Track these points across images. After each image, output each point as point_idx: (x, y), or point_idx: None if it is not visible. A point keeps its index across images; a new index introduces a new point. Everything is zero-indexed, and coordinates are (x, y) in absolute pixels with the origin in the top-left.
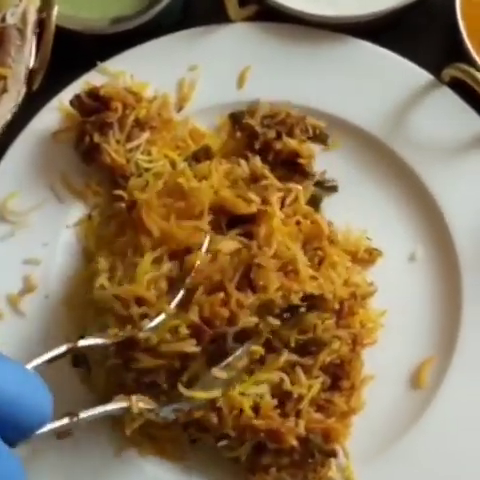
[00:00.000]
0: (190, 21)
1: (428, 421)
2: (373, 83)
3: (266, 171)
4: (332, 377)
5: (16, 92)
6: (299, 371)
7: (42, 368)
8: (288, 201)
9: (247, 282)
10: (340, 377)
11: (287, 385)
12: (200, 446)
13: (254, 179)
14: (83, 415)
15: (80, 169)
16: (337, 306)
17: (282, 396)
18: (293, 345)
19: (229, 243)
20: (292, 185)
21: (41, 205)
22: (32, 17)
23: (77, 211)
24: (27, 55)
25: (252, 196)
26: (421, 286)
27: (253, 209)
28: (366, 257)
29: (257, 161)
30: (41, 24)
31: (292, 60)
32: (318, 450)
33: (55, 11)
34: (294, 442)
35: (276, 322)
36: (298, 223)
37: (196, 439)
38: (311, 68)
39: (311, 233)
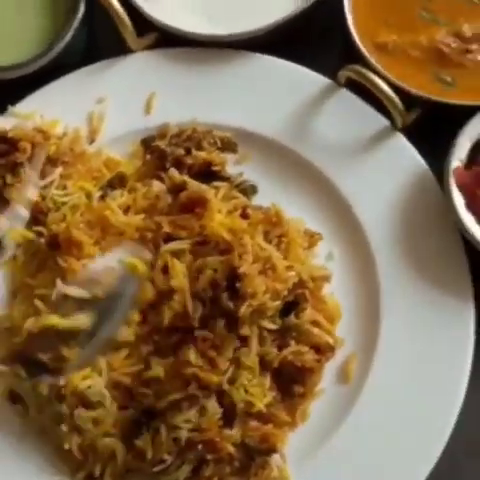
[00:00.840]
0: (94, 56)
1: (357, 415)
2: (273, 92)
3: (186, 177)
4: (286, 379)
5: None
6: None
7: None
8: (219, 196)
9: (231, 293)
10: (295, 381)
11: (240, 394)
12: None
13: (174, 191)
14: None
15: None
16: (311, 285)
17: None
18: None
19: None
20: (217, 183)
21: None
22: None
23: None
24: None
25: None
26: (340, 283)
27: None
28: (308, 240)
29: (174, 172)
30: None
31: (194, 80)
32: (257, 452)
33: None
34: (231, 449)
35: (272, 326)
36: (245, 216)
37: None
38: (213, 86)
39: (269, 222)
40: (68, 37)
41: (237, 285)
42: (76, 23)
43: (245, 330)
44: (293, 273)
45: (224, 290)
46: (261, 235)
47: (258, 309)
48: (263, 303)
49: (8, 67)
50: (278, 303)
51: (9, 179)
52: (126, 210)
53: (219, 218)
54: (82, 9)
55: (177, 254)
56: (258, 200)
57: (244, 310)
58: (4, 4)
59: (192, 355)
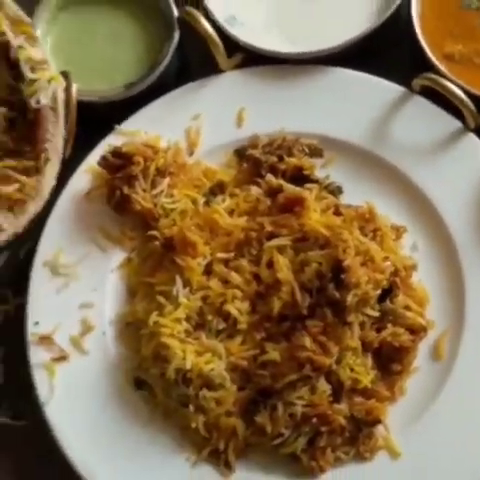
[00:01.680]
0: (187, 76)
1: (450, 389)
2: (352, 102)
3: (282, 181)
4: (385, 359)
5: (57, 160)
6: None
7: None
8: (312, 197)
9: (337, 284)
10: (393, 360)
11: (346, 372)
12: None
13: (272, 193)
14: None
15: (114, 220)
16: (403, 273)
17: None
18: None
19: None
20: (308, 185)
21: (86, 256)
22: (61, 96)
23: (118, 256)
24: (61, 128)
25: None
26: (425, 271)
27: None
28: (394, 233)
29: (271, 177)
30: (64, 101)
31: (279, 94)
32: (363, 423)
33: (74, 88)
34: (342, 421)
35: (374, 313)
36: (338, 214)
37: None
38: (296, 98)
39: (362, 218)
40: (165, 62)
41: (342, 276)
42: (172, 49)
43: (351, 317)
44: (389, 263)
45: (330, 281)
46: (357, 230)
47: (362, 298)
48: (366, 292)
49: (123, 86)
50: (378, 292)
51: (126, 190)
52: (230, 213)
53: (316, 216)
54: (177, 36)
55: (280, 250)
56: (344, 200)
57: (351, 299)
58: (103, 37)
59: (307, 341)
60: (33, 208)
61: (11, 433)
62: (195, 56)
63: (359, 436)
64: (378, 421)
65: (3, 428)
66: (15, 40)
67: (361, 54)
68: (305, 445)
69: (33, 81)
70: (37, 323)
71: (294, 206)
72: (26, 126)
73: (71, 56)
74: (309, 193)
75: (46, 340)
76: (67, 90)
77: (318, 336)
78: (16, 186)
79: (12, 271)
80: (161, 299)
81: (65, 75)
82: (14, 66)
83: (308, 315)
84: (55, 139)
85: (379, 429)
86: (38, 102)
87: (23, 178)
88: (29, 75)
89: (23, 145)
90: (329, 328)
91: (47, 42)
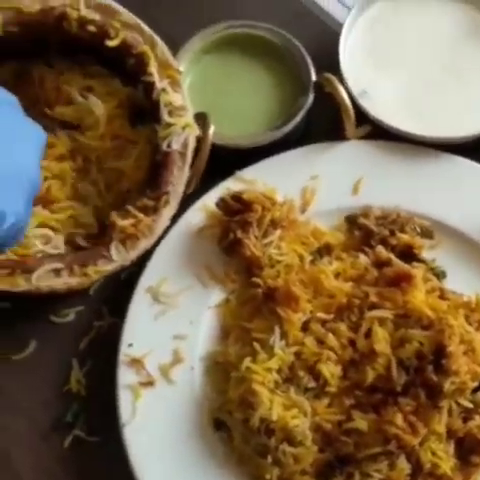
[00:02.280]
0: (308, 137)
1: None
2: (470, 193)
3: (392, 256)
4: (466, 449)
5: (175, 204)
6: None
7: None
8: (419, 276)
9: (436, 367)
10: (474, 452)
11: (428, 455)
12: None
13: (380, 265)
14: None
15: (220, 260)
16: None
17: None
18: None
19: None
20: (416, 264)
21: (188, 289)
22: (192, 144)
23: (217, 295)
24: (186, 174)
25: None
26: None
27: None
28: None
29: (381, 249)
30: (199, 140)
31: (399, 172)
32: None
33: (211, 130)
34: None
35: (468, 404)
36: (442, 298)
37: None
38: (415, 179)
39: (468, 307)
40: (295, 121)
41: (443, 362)
42: (304, 110)
43: (444, 403)
44: None
45: (429, 363)
46: (462, 318)
47: (459, 387)
48: (464, 382)
49: (251, 136)
50: (475, 384)
51: (239, 234)
52: (336, 276)
53: (421, 296)
54: (311, 99)
55: (381, 322)
56: (446, 284)
57: (448, 386)
58: (239, 85)
59: (398, 418)
60: (144, 245)
61: (82, 447)
62: (318, 119)
63: None
64: None
65: (76, 441)
66: (160, 83)
67: None
68: None
69: (169, 125)
70: (131, 345)
71: (401, 282)
72: (152, 166)
73: (206, 97)
74: (417, 272)
75: (137, 363)
76: (204, 130)
77: (409, 415)
78: (132, 221)
79: (111, 290)
80: (257, 346)
81: (204, 116)
82: (154, 107)
83: (401, 392)
84: (178, 183)
85: None
86: (169, 146)
87: (141, 215)
88: (166, 119)
89: (145, 183)
90: (421, 409)
91: (186, 81)
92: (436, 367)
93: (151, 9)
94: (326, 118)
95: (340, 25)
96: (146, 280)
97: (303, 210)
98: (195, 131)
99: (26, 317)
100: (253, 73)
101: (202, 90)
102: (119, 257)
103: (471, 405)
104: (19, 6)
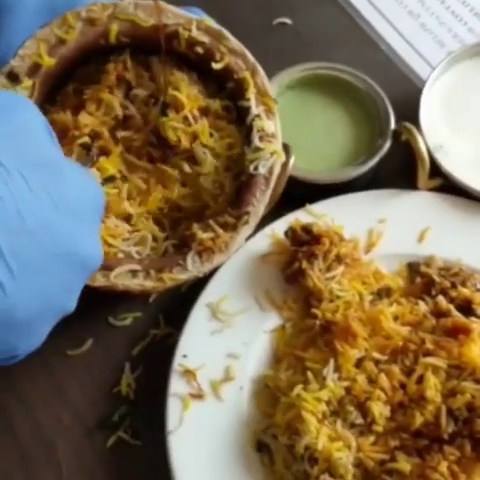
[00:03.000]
0: (377, 182)
1: None
2: None
3: (452, 307)
4: None
5: (253, 225)
6: None
7: None
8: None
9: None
10: None
11: None
12: None
13: (438, 315)
14: None
15: (280, 287)
16: None
17: None
18: None
19: None
20: (474, 319)
21: (246, 310)
22: (277, 169)
23: (274, 321)
24: (267, 198)
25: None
26: None
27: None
28: None
29: (442, 299)
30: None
31: (465, 228)
32: None
33: (292, 160)
34: None
35: None
36: None
37: None
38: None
39: None
40: (368, 166)
41: None
42: (379, 157)
43: None
44: None
45: (479, 416)
46: None
47: None
48: None
49: (314, 174)
50: None
51: (304, 264)
52: (394, 319)
53: (477, 350)
54: (388, 146)
55: (434, 369)
56: None
57: None
58: (316, 123)
59: (443, 465)
60: (218, 260)
61: (124, 449)
62: (391, 166)
63: None
64: None
65: (118, 442)
66: (255, 109)
67: None
68: None
69: (258, 149)
70: (185, 356)
71: (459, 333)
72: (235, 187)
73: (285, 131)
74: (476, 326)
75: (190, 374)
76: (286, 160)
77: (452, 464)
78: (211, 235)
79: (170, 301)
80: (310, 375)
81: (287, 147)
82: (247, 131)
83: (448, 441)
84: (259, 205)
85: None
86: (256, 169)
87: (220, 231)
88: (256, 143)
89: (227, 202)
90: (464, 460)
91: None
92: None
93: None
94: (397, 166)
95: (420, 79)
96: (207, 295)
97: (367, 251)
98: (282, 158)
99: (86, 316)
100: (333, 113)
101: (282, 124)
102: (194, 268)
103: None
104: (135, 18)
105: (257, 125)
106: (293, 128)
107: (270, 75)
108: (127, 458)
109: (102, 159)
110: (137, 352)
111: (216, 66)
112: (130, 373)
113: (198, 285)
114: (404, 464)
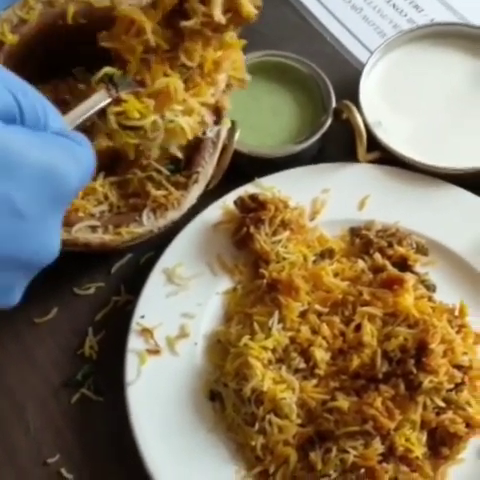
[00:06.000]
0: (322, 157)
1: None
2: (468, 221)
3: (387, 263)
4: (437, 441)
5: (203, 185)
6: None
7: None
8: (411, 283)
9: (417, 363)
10: (444, 444)
11: (401, 440)
12: None
13: (376, 270)
14: None
15: (231, 253)
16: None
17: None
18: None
19: None
20: (409, 274)
21: (199, 275)
22: (223, 135)
23: (226, 283)
24: (214, 160)
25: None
26: None
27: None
28: (474, 338)
29: (379, 256)
30: (224, 144)
31: (402, 195)
32: None
33: (237, 135)
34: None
35: (442, 404)
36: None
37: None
38: (417, 203)
39: (452, 313)
40: (311, 141)
41: (424, 359)
42: (321, 132)
43: (420, 398)
44: (466, 358)
45: (411, 357)
46: (445, 321)
47: (435, 387)
48: (441, 382)
49: (271, 147)
50: (451, 386)
51: (252, 229)
52: (335, 275)
53: (410, 299)
54: (329, 121)
55: (370, 318)
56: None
57: (426, 384)
58: (265, 107)
59: (377, 401)
60: (171, 216)
61: (87, 405)
62: (332, 141)
63: None
64: None
65: (82, 399)
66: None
67: None
68: None
69: None
70: (143, 316)
71: (393, 284)
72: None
73: (235, 113)
74: (409, 278)
75: (147, 332)
76: (230, 134)
77: (387, 401)
78: (164, 192)
79: (130, 271)
80: (256, 326)
81: (233, 123)
82: None
83: (382, 380)
84: (207, 167)
85: None
86: (204, 134)
87: (172, 189)
88: None
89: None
90: (398, 398)
91: None
92: (417, 362)
93: None
94: (341, 143)
95: (361, 64)
96: (163, 262)
97: (312, 218)
98: (227, 125)
99: (52, 287)
100: (279, 96)
101: (232, 106)
102: (149, 223)
103: (444, 404)
104: (90, 0)
105: None
106: (243, 110)
107: None
108: (90, 413)
109: None
110: (99, 318)
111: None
112: (93, 336)
113: (156, 257)
114: (343, 402)
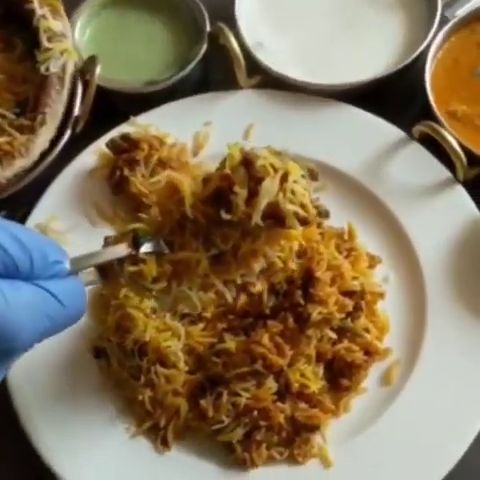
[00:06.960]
0: (206, 88)
1: (392, 413)
2: (354, 137)
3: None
4: (336, 373)
5: (53, 126)
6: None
7: None
8: None
9: (304, 293)
10: (343, 375)
11: (296, 376)
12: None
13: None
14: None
15: (110, 200)
16: (368, 297)
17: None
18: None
19: None
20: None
21: (77, 227)
22: (70, 68)
23: (106, 233)
24: (64, 97)
25: None
26: (392, 303)
27: None
28: (369, 261)
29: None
30: (86, 82)
31: (288, 119)
32: (303, 428)
33: (98, 70)
34: (282, 419)
35: (333, 335)
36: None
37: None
38: (303, 125)
39: (341, 237)
40: (188, 69)
41: (311, 290)
42: (198, 58)
43: (310, 332)
44: (357, 283)
45: (298, 288)
46: (333, 246)
47: (326, 317)
48: (331, 313)
49: (146, 82)
50: (342, 316)
51: (126, 172)
52: None
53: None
54: (204, 48)
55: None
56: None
57: (315, 316)
58: (137, 37)
59: (264, 338)
60: (20, 164)
61: None
62: (217, 69)
63: (296, 439)
64: (317, 428)
65: None
66: (39, 10)
67: (372, 94)
68: (242, 436)
69: (47, 50)
70: None
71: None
72: (32, 89)
73: (104, 48)
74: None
75: None
76: (91, 71)
77: (275, 337)
78: (7, 139)
79: None
80: None
81: (93, 58)
82: (34, 34)
83: (270, 316)
84: (55, 106)
85: (316, 438)
86: (47, 69)
87: (15, 133)
88: (45, 44)
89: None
90: (288, 332)
91: (85, 33)
92: (304, 293)
93: None
94: (224, 70)
95: None
96: (36, 217)
97: (195, 154)
98: (74, 57)
99: None
100: (150, 25)
101: (100, 42)
102: None
103: (335, 336)
104: None
105: (43, 25)
106: (113, 45)
107: None
108: None
109: None
110: None
111: None
112: None
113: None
114: (230, 343)
